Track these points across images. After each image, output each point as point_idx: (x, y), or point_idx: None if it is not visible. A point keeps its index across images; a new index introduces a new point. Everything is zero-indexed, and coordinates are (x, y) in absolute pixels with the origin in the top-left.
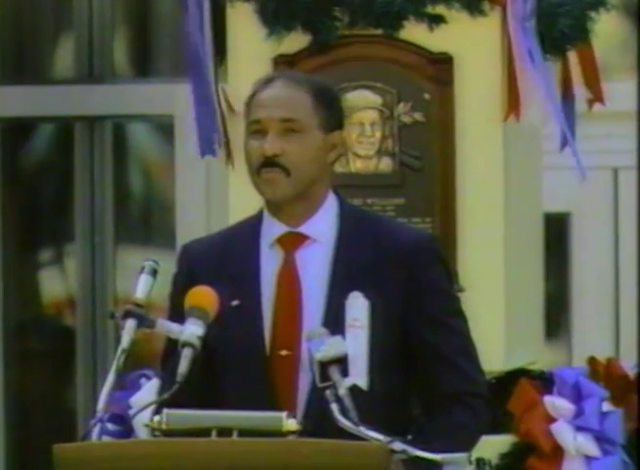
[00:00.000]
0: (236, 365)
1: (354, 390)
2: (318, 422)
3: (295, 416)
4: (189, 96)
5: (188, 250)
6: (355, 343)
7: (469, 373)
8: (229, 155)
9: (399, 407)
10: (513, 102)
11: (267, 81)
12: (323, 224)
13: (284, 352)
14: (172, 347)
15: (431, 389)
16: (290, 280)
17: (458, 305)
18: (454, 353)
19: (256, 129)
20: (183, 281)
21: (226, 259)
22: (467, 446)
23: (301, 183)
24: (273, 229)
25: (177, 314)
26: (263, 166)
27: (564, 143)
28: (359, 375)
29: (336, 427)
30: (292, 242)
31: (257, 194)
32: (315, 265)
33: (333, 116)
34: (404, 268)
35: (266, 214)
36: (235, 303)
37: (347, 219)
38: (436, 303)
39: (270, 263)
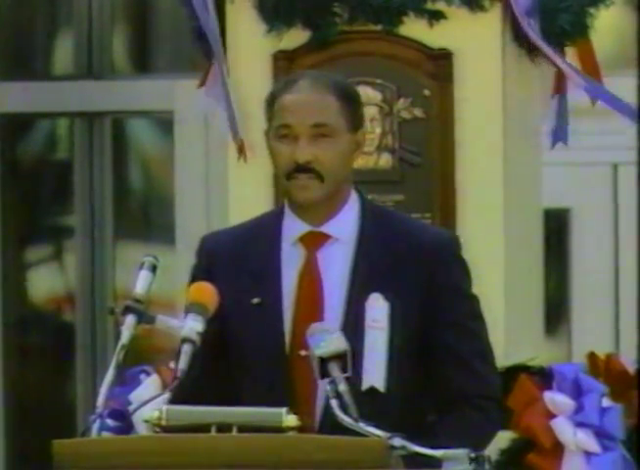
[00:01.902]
0: (255, 363)
1: (372, 391)
2: (336, 422)
3: (313, 413)
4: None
5: (207, 242)
6: (374, 344)
7: (484, 376)
8: (241, 149)
9: (415, 410)
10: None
11: (291, 83)
12: (345, 223)
13: (303, 353)
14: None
15: (445, 389)
16: (311, 279)
17: (477, 308)
18: (471, 356)
19: (285, 134)
20: (202, 274)
21: (246, 255)
22: (479, 447)
23: (333, 186)
24: (295, 228)
25: None
26: (295, 172)
27: (555, 140)
28: (377, 376)
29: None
30: (314, 241)
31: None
32: (337, 265)
33: (357, 115)
34: (425, 269)
35: (288, 212)
36: (256, 300)
37: (369, 218)
38: (456, 304)
39: (291, 262)
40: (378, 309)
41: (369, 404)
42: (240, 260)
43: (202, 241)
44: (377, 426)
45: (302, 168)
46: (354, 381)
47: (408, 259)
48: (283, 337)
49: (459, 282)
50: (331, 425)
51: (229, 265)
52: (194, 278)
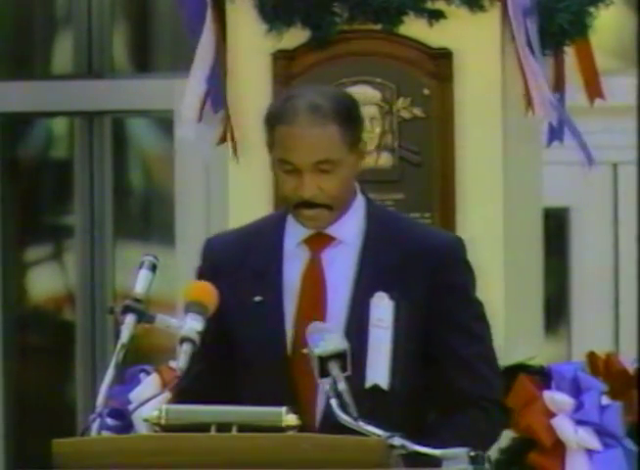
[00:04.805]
0: (256, 362)
1: (375, 390)
2: (337, 421)
3: (314, 413)
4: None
5: (211, 243)
6: (378, 343)
7: (487, 379)
8: (235, 149)
9: (417, 410)
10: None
11: (290, 112)
12: (350, 226)
13: (306, 351)
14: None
15: (448, 391)
16: (315, 279)
17: (481, 310)
18: (474, 358)
19: (289, 169)
20: (206, 275)
21: (249, 255)
22: (482, 449)
23: (341, 209)
24: (299, 230)
25: None
26: (302, 206)
27: (551, 139)
28: (381, 375)
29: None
30: (318, 243)
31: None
32: (341, 266)
33: (357, 129)
34: (429, 271)
35: (292, 214)
36: (257, 298)
37: (374, 220)
38: (460, 307)
39: (295, 262)
40: (383, 308)
41: (372, 402)
42: (243, 261)
43: (206, 242)
44: (379, 424)
45: (309, 203)
46: (358, 379)
47: (414, 261)
48: (284, 335)
49: (464, 285)
50: (331, 424)
51: (233, 266)
52: (199, 279)
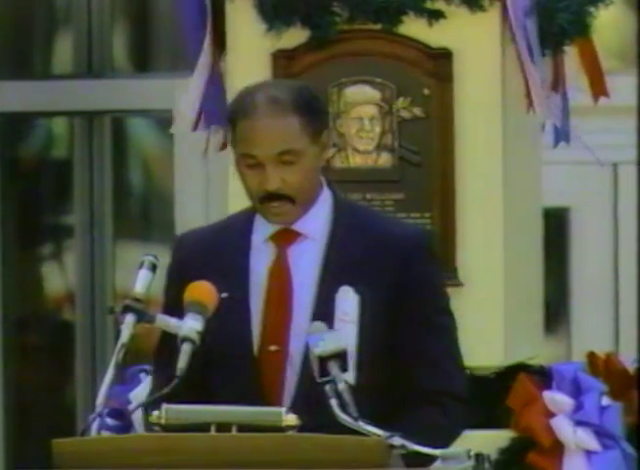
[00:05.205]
0: (224, 359)
1: None
2: (303, 418)
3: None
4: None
5: (181, 241)
6: (344, 337)
7: (449, 373)
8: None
9: (383, 404)
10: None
11: (249, 105)
12: (317, 221)
13: (273, 348)
14: (167, 339)
15: (410, 385)
16: (281, 275)
17: (447, 304)
18: (437, 352)
19: (251, 163)
20: (175, 273)
21: (217, 253)
22: (440, 446)
23: (306, 202)
24: (267, 226)
25: (170, 306)
26: (267, 199)
27: (557, 140)
28: (347, 369)
29: (320, 423)
30: (285, 239)
31: None
32: (307, 261)
33: (319, 120)
34: (395, 264)
35: (258, 211)
36: (224, 295)
37: (341, 214)
38: (426, 300)
39: (262, 259)
40: (348, 302)
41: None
42: (211, 258)
43: (176, 241)
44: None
45: (273, 196)
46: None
47: (380, 254)
48: (250, 331)
49: (428, 277)
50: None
51: (201, 263)
52: (169, 278)
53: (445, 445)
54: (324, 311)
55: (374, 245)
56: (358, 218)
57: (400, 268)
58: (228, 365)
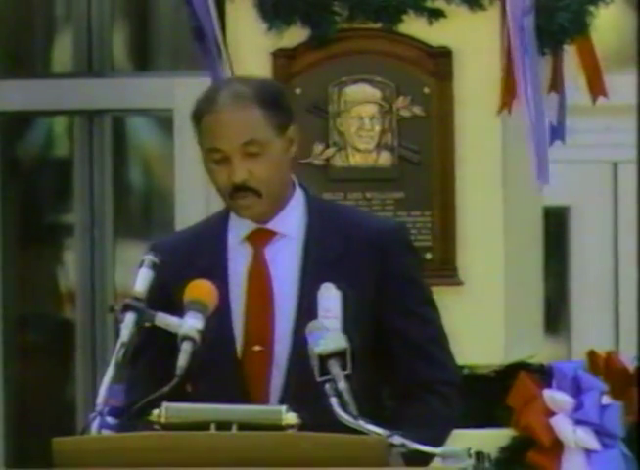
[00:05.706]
0: (207, 360)
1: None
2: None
3: None
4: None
5: (156, 248)
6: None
7: (441, 361)
8: None
9: (371, 398)
10: (507, 95)
11: (211, 99)
12: (291, 219)
13: (257, 348)
14: (147, 341)
15: (403, 378)
16: (260, 275)
17: (429, 294)
18: (426, 342)
19: (217, 158)
20: (154, 281)
21: (193, 256)
22: (441, 434)
23: (274, 196)
24: (242, 226)
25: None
26: (234, 192)
27: (552, 138)
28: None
29: (307, 422)
30: (261, 238)
31: None
32: (285, 260)
33: (283, 114)
34: (375, 258)
35: (228, 206)
36: None
37: (315, 212)
38: (407, 291)
39: (239, 260)
40: (330, 299)
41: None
42: (188, 262)
43: (150, 247)
44: (330, 416)
45: (240, 188)
46: (309, 371)
47: (359, 248)
48: (232, 333)
49: (408, 269)
50: None
51: (177, 269)
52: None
53: (449, 431)
54: (306, 309)
55: (352, 240)
56: (333, 215)
57: (379, 262)
58: (212, 366)
